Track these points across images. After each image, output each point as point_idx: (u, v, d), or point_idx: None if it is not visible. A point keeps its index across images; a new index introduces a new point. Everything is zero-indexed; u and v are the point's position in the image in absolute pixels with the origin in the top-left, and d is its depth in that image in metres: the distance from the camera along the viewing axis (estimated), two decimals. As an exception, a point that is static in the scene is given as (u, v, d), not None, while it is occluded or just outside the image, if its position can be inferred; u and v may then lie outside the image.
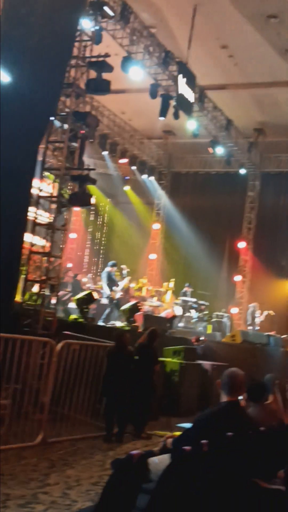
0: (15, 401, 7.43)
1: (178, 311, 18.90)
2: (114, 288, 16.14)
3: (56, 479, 6.17)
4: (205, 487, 3.58)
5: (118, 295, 16.47)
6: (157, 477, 3.62)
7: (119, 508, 3.22)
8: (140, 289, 20.32)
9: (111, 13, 12.01)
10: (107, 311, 15.55)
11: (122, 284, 17.24)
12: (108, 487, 3.21)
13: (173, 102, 15.51)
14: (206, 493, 3.59)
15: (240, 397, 5.44)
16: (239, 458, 4.07)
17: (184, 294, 20.11)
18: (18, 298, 11.66)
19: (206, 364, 12.72)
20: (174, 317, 16.65)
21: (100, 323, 14.39)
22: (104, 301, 16.38)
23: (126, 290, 18.04)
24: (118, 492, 3.22)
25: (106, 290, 15.97)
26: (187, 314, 19.54)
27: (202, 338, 14.91)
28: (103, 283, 16.31)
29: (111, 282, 16.10)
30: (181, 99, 15.39)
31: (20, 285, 11.73)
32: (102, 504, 3.19)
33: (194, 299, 20.07)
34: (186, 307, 19.67)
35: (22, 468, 6.40)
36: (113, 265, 16.53)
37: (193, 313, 19.73)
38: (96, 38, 11.72)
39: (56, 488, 5.85)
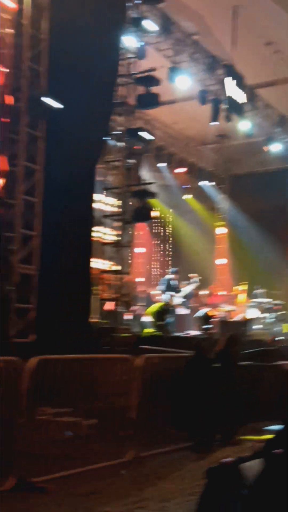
0: (102, 420, 7.52)
1: (252, 313, 18.63)
2: (174, 294, 15.96)
3: (151, 493, 6.19)
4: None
5: (179, 301, 16.25)
6: (251, 482, 3.59)
7: (217, 516, 3.21)
8: (210, 295, 20.21)
9: (152, 27, 12.13)
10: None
11: (185, 291, 17.09)
12: (203, 496, 3.21)
13: (223, 106, 15.46)
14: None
15: None
16: None
17: (256, 296, 19.83)
18: (94, 318, 11.89)
19: (286, 364, 12.44)
20: (248, 320, 16.43)
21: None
22: (179, 311, 16.34)
23: (197, 298, 17.97)
24: (213, 500, 3.21)
25: (164, 297, 15.81)
26: (262, 315, 19.23)
27: (278, 338, 14.66)
28: (161, 290, 16.14)
29: (171, 289, 15.93)
30: (231, 101, 15.32)
31: (95, 305, 11.96)
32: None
33: (267, 300, 19.75)
34: (260, 308, 19.37)
35: (117, 485, 6.46)
36: (174, 273, 16.42)
37: (268, 314, 19.40)
38: (140, 53, 11.89)
39: (153, 503, 5.87)
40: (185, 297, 16.87)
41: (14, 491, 5.94)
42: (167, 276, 16.31)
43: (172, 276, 16.31)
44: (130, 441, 7.63)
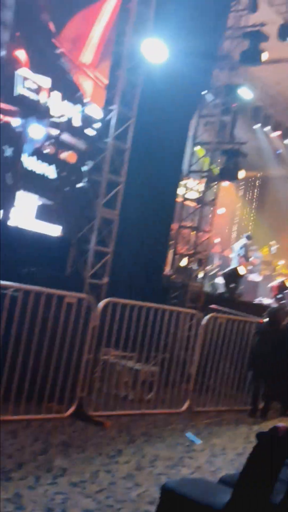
0: (163, 370, 7.69)
1: None
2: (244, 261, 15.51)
3: (202, 446, 6.33)
4: None
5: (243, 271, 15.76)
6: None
7: (263, 479, 3.24)
8: (288, 266, 19.78)
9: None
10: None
11: (256, 257, 16.67)
12: (252, 458, 3.24)
13: None
14: None
15: None
16: None
17: None
18: (167, 270, 11.99)
19: None
20: None
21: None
22: (252, 276, 16.14)
23: (274, 268, 17.65)
24: (262, 463, 3.23)
25: (234, 262, 15.37)
26: None
27: None
28: (234, 255, 15.71)
29: (243, 255, 15.45)
30: None
31: (169, 258, 12.04)
32: (246, 473, 3.23)
33: None
34: None
35: (169, 432, 6.65)
36: (248, 237, 15.91)
37: None
38: (252, 6, 11.42)
39: (202, 455, 6.00)
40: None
41: (75, 420, 6.25)
42: (242, 241, 15.82)
43: (245, 241, 15.80)
44: (187, 394, 7.77)
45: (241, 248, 15.70)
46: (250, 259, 16.26)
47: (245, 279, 16.13)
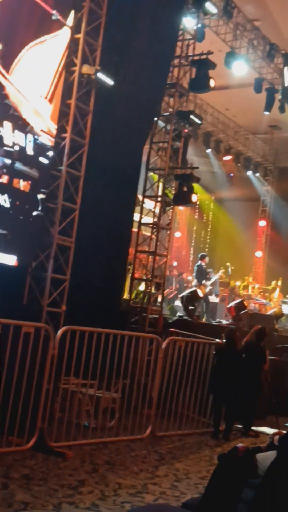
0: (125, 396, 7.65)
1: (286, 309, 18.43)
2: (204, 282, 15.83)
3: (165, 471, 6.30)
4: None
5: (207, 289, 16.10)
6: (264, 473, 3.61)
7: (224, 500, 3.25)
8: (245, 287, 20.09)
9: (213, 9, 11.98)
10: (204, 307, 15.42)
11: (213, 278, 16.93)
12: (213, 479, 3.25)
13: (278, 96, 15.21)
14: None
15: None
16: None
17: (292, 292, 19.60)
18: (125, 296, 12.01)
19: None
20: (281, 315, 16.28)
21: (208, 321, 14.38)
22: (211, 298, 16.30)
23: (230, 288, 17.89)
24: (223, 484, 3.25)
25: (194, 284, 15.68)
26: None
27: None
28: (194, 277, 16.02)
29: (201, 276, 15.76)
30: (287, 92, 15.04)
31: (127, 284, 12.07)
32: (208, 496, 3.24)
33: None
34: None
35: (132, 459, 6.59)
36: (202, 257, 16.15)
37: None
38: (199, 35, 11.74)
39: (165, 480, 5.97)
40: (211, 285, 16.54)
41: (36, 452, 6.14)
42: (198, 262, 16.09)
43: (199, 261, 16.02)
44: (150, 419, 7.74)
45: (196, 269, 15.92)
46: (207, 281, 16.44)
47: (206, 301, 16.28)
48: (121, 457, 6.62)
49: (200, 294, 13.00)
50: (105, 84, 8.61)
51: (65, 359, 6.66)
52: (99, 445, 6.91)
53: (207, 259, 16.42)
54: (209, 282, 16.18)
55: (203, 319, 14.07)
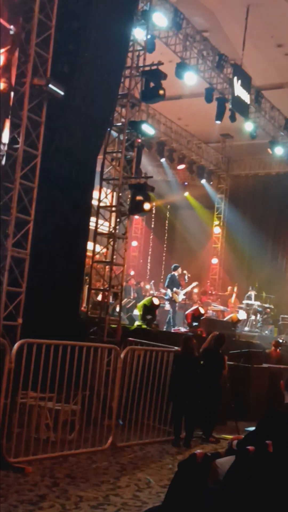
0: (85, 407, 7.60)
1: (243, 315, 18.70)
2: (175, 289, 16.10)
3: (127, 481, 6.27)
4: (270, 487, 3.57)
5: (180, 298, 16.43)
6: (223, 478, 3.64)
7: (184, 507, 3.26)
8: (203, 293, 20.29)
9: (162, 20, 12.13)
10: (170, 314, 15.65)
11: (187, 288, 17.20)
12: (172, 486, 3.26)
13: (229, 105, 15.48)
14: (271, 493, 3.57)
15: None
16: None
17: (249, 298, 19.91)
18: (83, 307, 11.94)
19: (274, 367, 12.55)
20: (238, 321, 16.50)
21: (168, 328, 14.51)
22: (168, 306, 16.45)
23: (189, 295, 18.04)
24: (183, 491, 3.26)
25: (168, 293, 16.05)
26: (252, 318, 19.32)
27: (281, 340, 14.81)
28: (167, 286, 16.40)
29: (173, 285, 16.10)
30: (237, 101, 15.35)
31: (85, 294, 12.01)
32: (168, 502, 3.24)
33: (258, 302, 19.83)
34: (250, 310, 19.45)
35: (93, 471, 6.54)
36: (175, 268, 16.51)
37: (258, 317, 19.50)
38: (149, 46, 11.85)
39: (127, 491, 5.95)
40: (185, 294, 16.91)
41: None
42: (171, 272, 16.43)
43: (173, 271, 16.40)
44: (110, 430, 7.71)
45: (168, 279, 16.17)
46: (180, 290, 16.66)
47: (161, 309, 16.40)
48: (82, 469, 6.56)
49: (156, 302, 13.04)
50: (57, 95, 8.59)
51: (22, 373, 6.57)
52: (60, 458, 6.84)
53: (179, 270, 16.69)
54: (182, 291, 16.41)
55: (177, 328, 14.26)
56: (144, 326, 12.34)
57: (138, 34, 11.43)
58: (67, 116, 9.28)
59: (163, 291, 16.88)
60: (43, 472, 6.24)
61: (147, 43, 11.61)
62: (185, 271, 18.72)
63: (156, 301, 13.09)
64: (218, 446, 8.59)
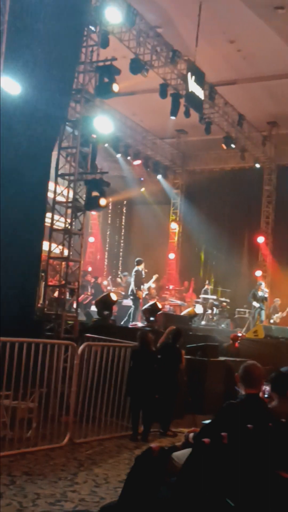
0: (42, 404, 7.56)
1: (199, 309, 18.92)
2: (142, 287, 16.15)
3: (85, 477, 6.28)
4: (226, 479, 3.64)
5: (144, 294, 16.49)
6: (180, 470, 3.70)
7: (142, 500, 3.30)
8: (160, 288, 20.41)
9: (116, 16, 12.10)
10: (131, 310, 15.68)
11: (148, 284, 17.26)
12: (130, 480, 3.29)
13: (183, 101, 15.58)
14: (227, 485, 3.65)
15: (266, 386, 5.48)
16: (260, 450, 4.12)
17: (205, 292, 20.14)
18: (39, 303, 11.84)
19: (230, 360, 12.73)
20: (195, 315, 16.67)
21: (126, 324, 14.54)
22: (126, 302, 16.47)
23: (148, 290, 18.13)
24: (140, 485, 3.30)
25: (133, 290, 16.00)
26: (209, 311, 19.56)
27: (240, 334, 15.03)
28: (131, 282, 16.34)
29: (139, 281, 16.09)
30: (191, 97, 15.45)
31: (41, 291, 11.91)
32: (125, 496, 3.27)
33: (214, 296, 20.09)
34: (207, 304, 19.69)
35: (51, 468, 6.53)
36: (138, 263, 16.44)
37: (214, 311, 19.76)
38: (103, 42, 11.82)
39: (85, 487, 5.96)
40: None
41: None
42: (135, 267, 16.34)
43: (137, 266, 16.35)
44: (68, 426, 7.69)
45: (134, 274, 16.14)
46: (144, 286, 16.68)
47: (119, 305, 16.45)
48: (40, 466, 6.54)
49: (114, 298, 13.05)
50: (10, 90, 8.48)
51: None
52: (17, 456, 6.79)
53: (143, 264, 16.68)
54: (145, 286, 16.42)
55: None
56: (101, 322, 12.33)
57: (92, 29, 11.38)
58: (20, 111, 9.17)
59: (118, 280, 16.73)
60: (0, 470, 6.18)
61: (100, 38, 11.58)
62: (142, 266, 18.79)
63: (114, 297, 13.10)
64: (175, 440, 8.67)
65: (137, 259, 16.75)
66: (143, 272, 17.94)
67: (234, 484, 3.78)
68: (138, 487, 3.29)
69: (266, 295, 18.73)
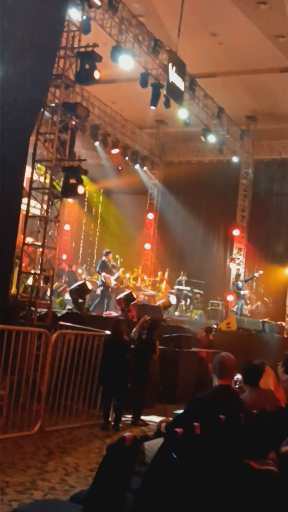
0: (12, 392, 7.49)
1: (173, 300, 18.98)
2: (108, 276, 16.26)
3: (54, 466, 6.26)
4: (197, 469, 3.66)
5: (112, 284, 16.57)
6: (151, 460, 3.69)
7: (113, 490, 3.29)
8: (135, 279, 20.40)
9: (98, 2, 11.97)
10: (97, 300, 15.74)
11: (117, 274, 17.33)
12: (101, 469, 3.27)
13: (163, 91, 15.52)
14: (198, 475, 3.66)
15: (238, 376, 5.52)
16: (231, 440, 4.15)
17: (179, 283, 20.20)
18: (13, 290, 11.72)
19: (202, 351, 12.82)
20: (169, 306, 16.72)
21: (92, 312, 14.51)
22: (99, 291, 16.46)
23: (120, 280, 18.13)
24: (111, 474, 3.28)
25: (101, 278, 16.14)
26: (182, 302, 19.63)
27: (215, 326, 15.17)
28: (99, 272, 16.52)
29: (106, 271, 16.23)
30: (172, 87, 15.39)
31: (15, 277, 11.79)
32: (96, 486, 3.26)
33: (188, 288, 20.16)
34: (181, 295, 19.75)
35: (20, 456, 6.48)
36: (106, 254, 16.65)
37: (188, 302, 19.84)
38: (84, 28, 11.69)
39: (55, 475, 5.94)
40: (115, 279, 17.05)
41: None
42: (102, 258, 16.56)
43: (104, 257, 16.53)
44: (39, 415, 7.65)
45: (100, 263, 16.26)
46: (114, 276, 16.79)
47: (94, 294, 16.41)
48: (9, 454, 6.48)
49: (90, 286, 13.01)
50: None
51: None
52: (-14, 444, 6.73)
53: (110, 255, 16.81)
54: (113, 277, 16.51)
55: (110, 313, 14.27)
56: (75, 310, 12.29)
57: (74, 14, 11.23)
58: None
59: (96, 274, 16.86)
60: None
61: (82, 24, 11.44)
62: (117, 256, 18.79)
63: (89, 285, 13.06)
64: (146, 429, 8.72)
65: (105, 250, 17.00)
66: (117, 262, 18.03)
67: (205, 475, 3.80)
68: (109, 477, 3.27)
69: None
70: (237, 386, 5.96)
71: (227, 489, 3.94)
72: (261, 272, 18.93)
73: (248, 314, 18.98)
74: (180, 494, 3.52)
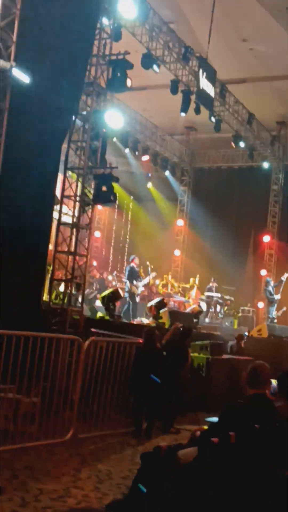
0: (45, 399, 7.51)
1: (204, 306, 18.88)
2: (135, 282, 16.22)
3: (87, 473, 6.24)
4: (233, 478, 3.61)
5: (139, 290, 16.52)
6: (186, 469, 3.66)
7: (149, 499, 3.26)
8: (165, 285, 20.38)
9: (129, 10, 12.03)
10: (125, 306, 15.73)
11: (146, 280, 17.30)
12: (137, 479, 3.26)
13: (194, 98, 15.50)
14: (234, 484, 3.61)
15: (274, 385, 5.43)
16: (267, 450, 4.09)
17: (210, 290, 20.09)
18: (45, 297, 11.81)
19: (234, 358, 12.69)
20: (199, 312, 16.64)
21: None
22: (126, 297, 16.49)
23: (149, 287, 18.13)
24: (147, 484, 3.26)
25: (127, 285, 16.16)
26: (213, 309, 19.51)
27: (246, 333, 15.02)
28: (125, 278, 16.54)
29: (132, 277, 16.21)
30: (202, 94, 15.38)
31: (47, 285, 11.88)
32: (132, 495, 3.24)
33: (219, 294, 20.03)
34: (211, 302, 19.64)
35: (53, 463, 6.48)
36: (132, 259, 16.64)
37: (219, 309, 19.70)
38: (115, 35, 11.75)
39: (88, 483, 5.92)
40: (144, 285, 17.09)
41: None
42: (130, 264, 16.57)
43: (131, 263, 16.53)
44: (71, 422, 7.66)
45: (128, 269, 16.27)
46: (139, 282, 16.79)
47: (125, 301, 16.43)
48: (42, 461, 6.50)
49: (121, 293, 13.04)
50: (22, 81, 8.44)
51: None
52: (19, 450, 6.75)
53: (136, 259, 16.80)
54: (141, 283, 16.51)
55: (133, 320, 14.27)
56: (106, 317, 12.31)
57: (105, 22, 11.31)
58: (31, 103, 9.11)
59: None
60: (1, 464, 6.14)
61: (113, 32, 11.51)
62: (148, 262, 18.78)
63: (120, 292, 13.11)
64: (178, 437, 8.64)
65: (131, 256, 17.02)
66: (148, 269, 18.00)
67: (240, 484, 3.75)
68: (145, 486, 3.26)
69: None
70: (272, 392, 5.86)
71: (264, 499, 3.87)
72: (286, 275, 18.69)
73: (275, 320, 18.76)
74: (215, 502, 3.48)
